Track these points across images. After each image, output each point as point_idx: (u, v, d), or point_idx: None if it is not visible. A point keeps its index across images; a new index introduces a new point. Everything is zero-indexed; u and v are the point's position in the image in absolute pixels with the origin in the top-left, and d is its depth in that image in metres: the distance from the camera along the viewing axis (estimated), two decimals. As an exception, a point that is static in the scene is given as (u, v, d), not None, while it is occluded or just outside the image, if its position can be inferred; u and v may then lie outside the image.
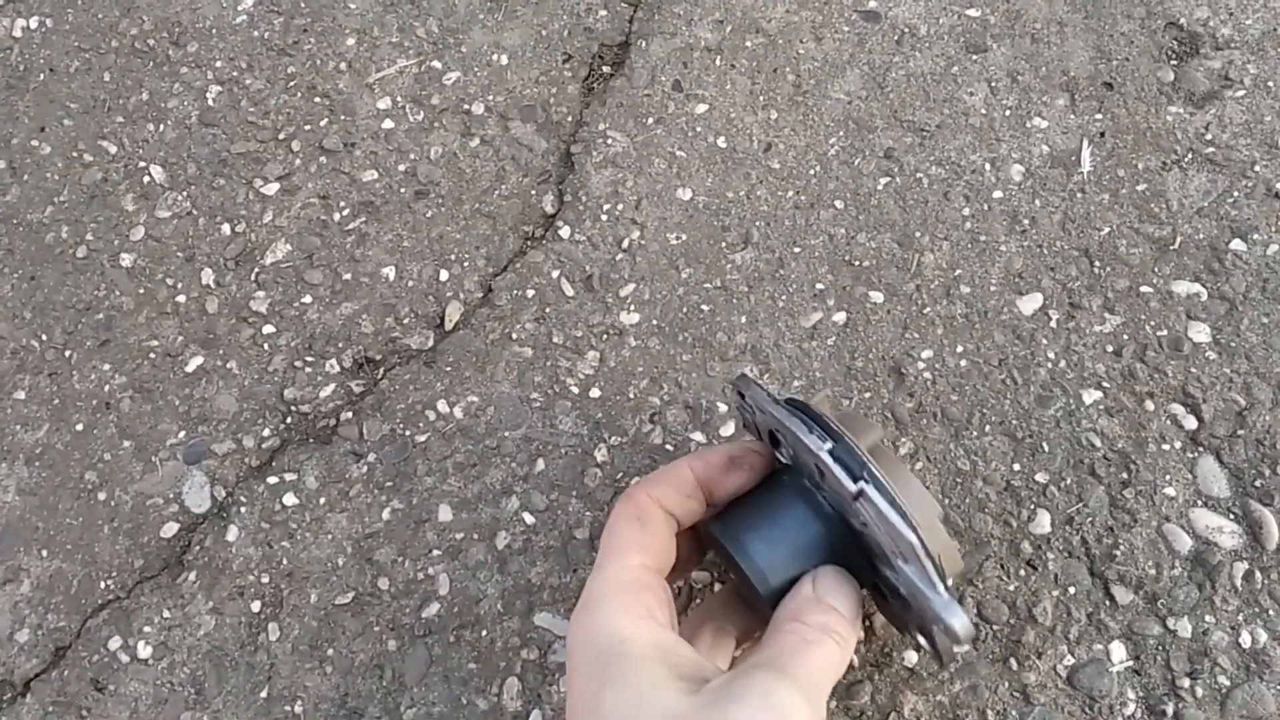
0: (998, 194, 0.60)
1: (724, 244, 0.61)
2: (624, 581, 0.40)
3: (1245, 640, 0.48)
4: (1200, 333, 0.55)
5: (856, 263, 0.59)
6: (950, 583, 0.38)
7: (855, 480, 0.38)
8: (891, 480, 0.38)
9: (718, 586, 0.52)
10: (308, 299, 0.61)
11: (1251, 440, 0.52)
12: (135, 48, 0.70)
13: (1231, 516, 0.51)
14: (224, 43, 0.70)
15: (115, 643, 0.53)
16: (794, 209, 0.61)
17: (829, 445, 0.39)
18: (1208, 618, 0.49)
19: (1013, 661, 0.48)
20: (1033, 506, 0.52)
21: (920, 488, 0.41)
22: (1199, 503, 0.51)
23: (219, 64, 0.69)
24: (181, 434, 0.58)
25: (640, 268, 0.60)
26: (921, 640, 0.43)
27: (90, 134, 0.68)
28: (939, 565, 0.37)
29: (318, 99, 0.67)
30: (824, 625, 0.39)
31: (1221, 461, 0.52)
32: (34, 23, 0.72)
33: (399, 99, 0.67)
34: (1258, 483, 0.51)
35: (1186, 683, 0.47)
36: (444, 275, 0.62)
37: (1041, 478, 0.53)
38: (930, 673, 0.48)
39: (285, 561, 0.55)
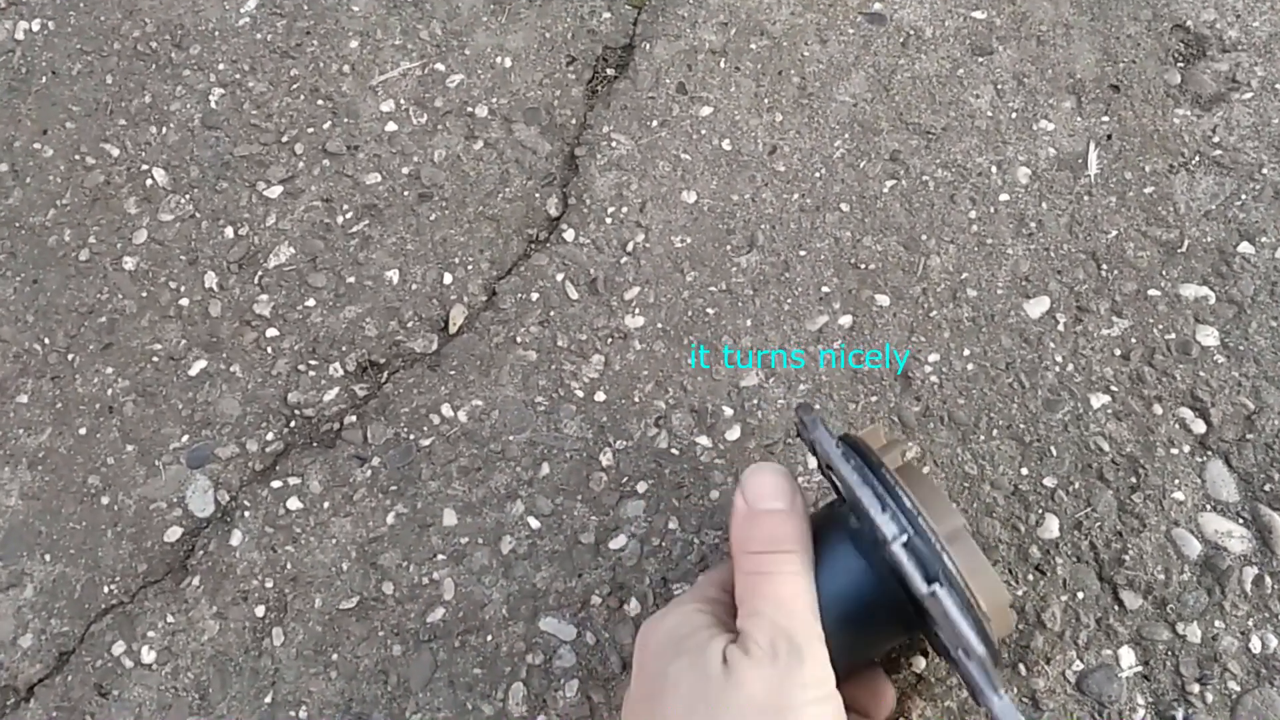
0: (1004, 197, 0.60)
1: (729, 247, 0.60)
2: (702, 596, 0.42)
3: (1255, 645, 0.48)
4: (1208, 336, 0.55)
5: (862, 266, 0.59)
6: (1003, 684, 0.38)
7: (929, 582, 0.36)
8: (966, 572, 0.37)
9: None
10: (311, 302, 0.61)
11: (1260, 444, 0.52)
12: (138, 50, 0.70)
13: (1241, 521, 0.50)
14: (227, 45, 0.70)
15: (119, 648, 0.53)
16: (799, 212, 0.61)
17: (905, 538, 0.37)
18: (1217, 623, 0.48)
19: (1021, 667, 0.48)
20: (1041, 511, 0.52)
21: (994, 576, 0.39)
22: (1208, 507, 0.51)
23: (222, 66, 0.69)
24: (185, 438, 0.58)
25: (645, 271, 0.60)
26: (959, 672, 0.42)
27: (93, 137, 0.67)
28: (998, 659, 0.36)
29: (321, 101, 0.67)
30: (770, 539, 0.39)
31: (1230, 465, 0.52)
32: (36, 25, 0.72)
33: (402, 101, 0.67)
34: (1267, 487, 0.51)
35: (1196, 688, 0.47)
36: (448, 278, 0.61)
37: (1049, 482, 0.52)
38: (938, 678, 0.48)
39: (289, 566, 0.54)
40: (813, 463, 0.54)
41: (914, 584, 0.37)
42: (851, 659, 0.40)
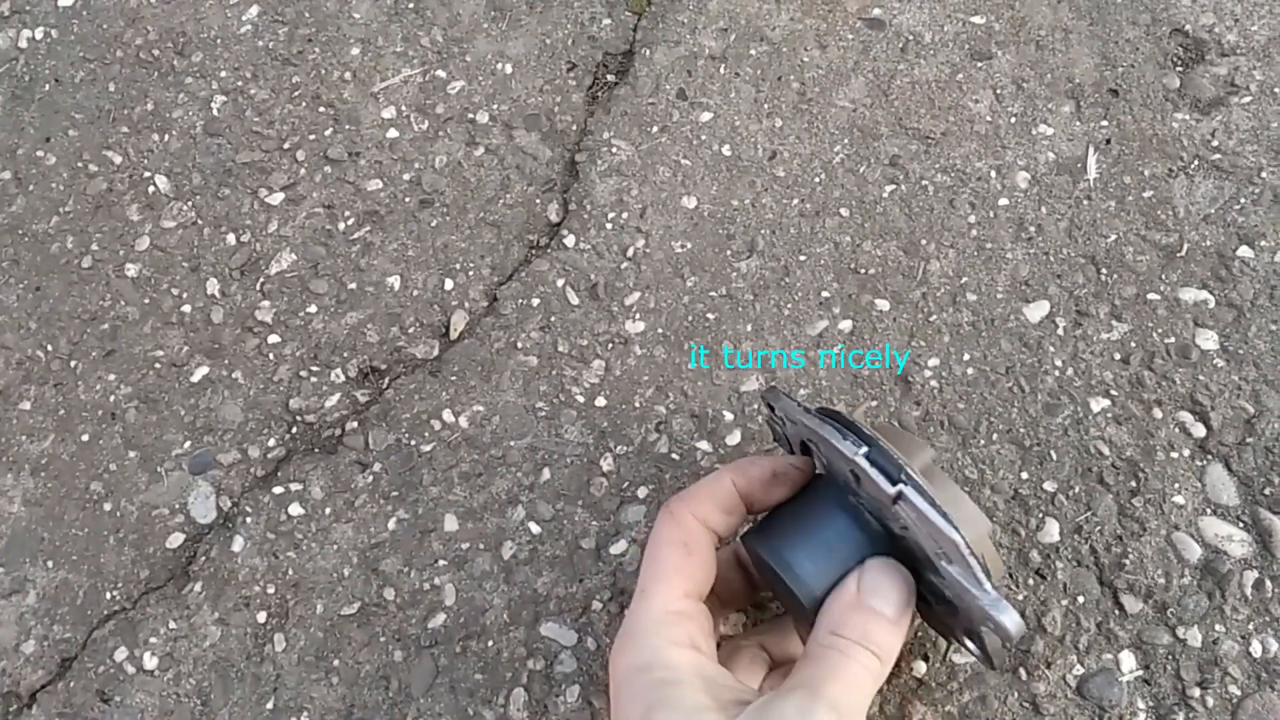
0: (1004, 201, 0.60)
1: (729, 252, 0.61)
2: (670, 612, 0.41)
3: (1256, 649, 0.48)
4: (1208, 340, 0.55)
5: (862, 270, 0.59)
6: (995, 581, 0.38)
7: (894, 483, 0.37)
8: (936, 489, 0.37)
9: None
10: (313, 308, 0.61)
11: (1260, 448, 0.52)
12: (140, 58, 0.70)
13: (1241, 525, 0.50)
14: (229, 53, 0.70)
15: (121, 654, 0.53)
16: (799, 217, 0.61)
17: (864, 449, 0.38)
18: (1218, 626, 0.48)
19: (1022, 671, 0.48)
20: (1041, 515, 0.52)
21: (970, 503, 0.40)
22: (1208, 511, 0.51)
23: (224, 74, 0.69)
24: (187, 444, 0.58)
25: (645, 276, 0.60)
26: (969, 644, 0.42)
27: (95, 144, 0.68)
28: (984, 563, 0.37)
29: (322, 108, 0.68)
30: (863, 634, 0.38)
31: (1230, 469, 0.52)
32: (39, 33, 0.72)
33: (404, 108, 0.67)
34: (1267, 490, 0.51)
35: (1197, 692, 0.47)
36: (449, 284, 0.62)
37: (1050, 486, 0.52)
38: (939, 683, 0.48)
39: (291, 572, 0.54)
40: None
41: (881, 489, 0.37)
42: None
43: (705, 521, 0.43)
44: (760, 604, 0.51)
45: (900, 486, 0.37)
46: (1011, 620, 0.36)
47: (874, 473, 0.38)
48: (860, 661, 0.38)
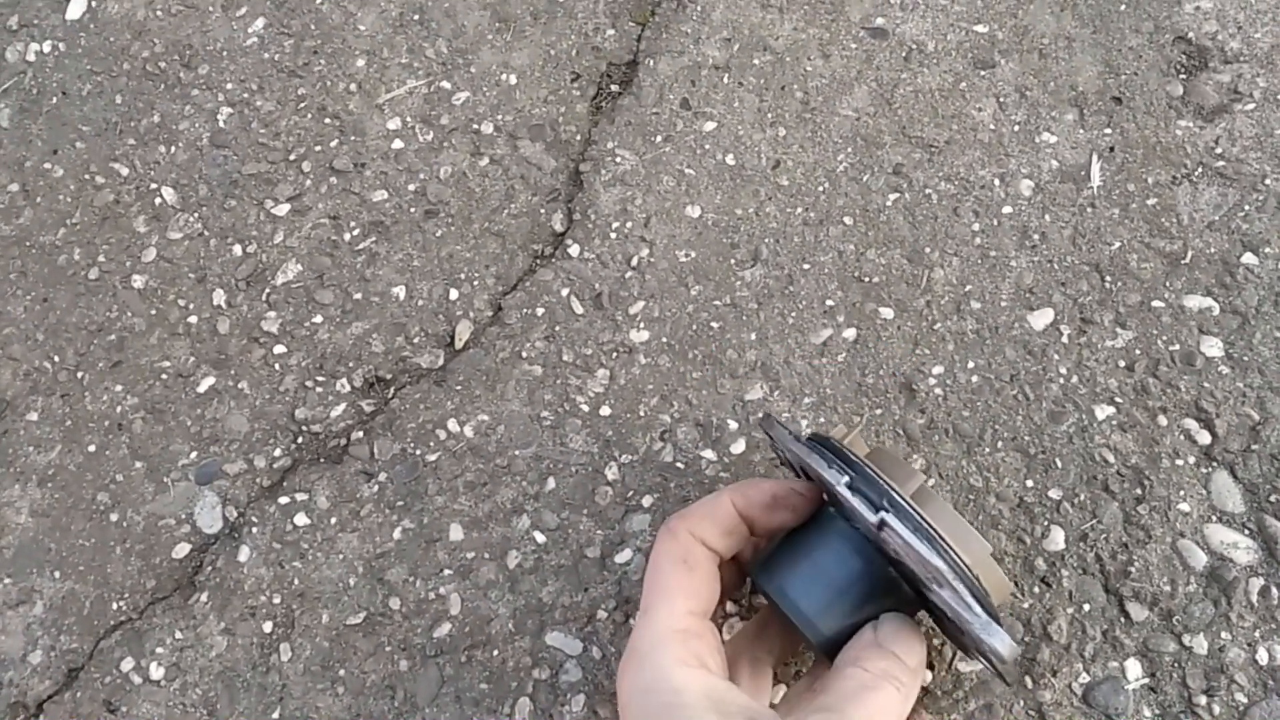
0: (1007, 209, 0.60)
1: (733, 261, 0.61)
2: (674, 630, 0.40)
3: (1262, 657, 0.48)
4: (1213, 347, 0.55)
5: (866, 279, 0.59)
6: (993, 603, 0.38)
7: (875, 511, 0.37)
8: (931, 513, 0.37)
9: (740, 616, 0.52)
10: (318, 319, 0.62)
11: (1266, 455, 0.52)
12: (147, 70, 0.71)
13: (1246, 532, 0.50)
14: (235, 65, 0.70)
15: (128, 664, 0.53)
16: (803, 226, 0.61)
17: (846, 479, 0.38)
18: (1224, 634, 0.48)
19: (1028, 680, 0.48)
20: (1046, 523, 0.52)
21: (967, 526, 0.40)
22: (1213, 518, 0.51)
23: (230, 86, 0.70)
24: (193, 454, 0.58)
25: (650, 285, 0.60)
26: (983, 658, 0.42)
27: (102, 156, 0.68)
28: (975, 585, 0.37)
29: (328, 120, 0.68)
30: (885, 671, 0.38)
31: (1236, 476, 0.52)
32: (47, 47, 0.72)
33: (409, 119, 0.67)
34: (1272, 497, 0.51)
35: (1203, 700, 0.47)
36: (454, 294, 0.62)
37: (1055, 494, 0.52)
38: (945, 691, 0.48)
39: (297, 582, 0.55)
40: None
41: (865, 519, 0.37)
42: (841, 636, 0.41)
43: (704, 540, 0.43)
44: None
45: (881, 514, 0.37)
46: (1002, 643, 0.36)
47: (855, 501, 0.38)
48: (884, 691, 0.38)
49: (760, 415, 0.44)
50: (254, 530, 0.56)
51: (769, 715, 0.38)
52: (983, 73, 0.65)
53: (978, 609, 0.36)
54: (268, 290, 0.63)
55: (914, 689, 0.39)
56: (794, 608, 0.41)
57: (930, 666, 0.49)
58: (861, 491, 0.38)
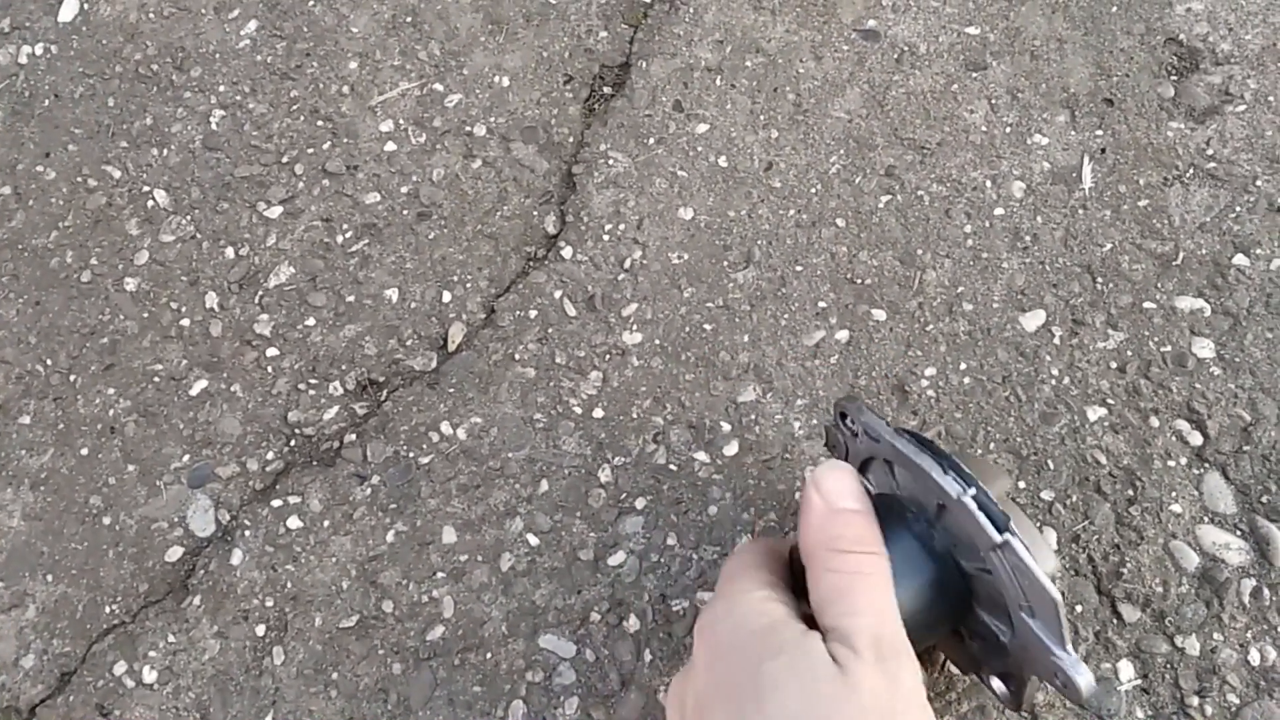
0: (999, 211, 0.61)
1: (726, 263, 0.61)
2: (760, 584, 0.41)
3: (1254, 658, 0.48)
4: (1204, 348, 0.55)
5: (859, 281, 0.59)
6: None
7: (1001, 531, 0.37)
8: (1021, 530, 0.37)
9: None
10: (311, 321, 0.62)
11: (1257, 456, 0.52)
12: (139, 73, 0.71)
13: (1238, 533, 0.50)
14: (227, 67, 0.70)
15: (120, 668, 0.53)
16: (795, 227, 0.61)
17: (973, 491, 0.38)
18: (1216, 635, 0.48)
19: (1020, 681, 0.48)
20: (1038, 524, 0.52)
21: (1045, 544, 0.40)
22: (1205, 519, 0.51)
23: (222, 88, 0.70)
24: (186, 457, 0.58)
25: (642, 287, 0.60)
26: (995, 684, 0.42)
27: (94, 159, 0.68)
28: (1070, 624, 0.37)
29: (320, 122, 0.68)
30: (855, 538, 0.39)
31: (1227, 477, 0.52)
32: (39, 49, 0.72)
33: (401, 121, 0.67)
34: (1264, 498, 0.51)
35: (1195, 701, 0.47)
36: (447, 296, 0.62)
37: (1047, 495, 0.52)
38: (937, 693, 0.48)
39: (290, 585, 0.54)
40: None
41: (986, 534, 0.37)
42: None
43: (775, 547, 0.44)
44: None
45: (1008, 536, 0.37)
46: (1086, 682, 0.36)
47: (981, 517, 0.37)
48: (873, 570, 0.38)
49: (845, 396, 0.43)
50: (247, 533, 0.56)
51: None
52: (974, 75, 0.65)
53: (1070, 646, 0.37)
54: (260, 293, 0.63)
55: (875, 532, 0.40)
56: None
57: (924, 668, 0.49)
58: (987, 509, 0.38)
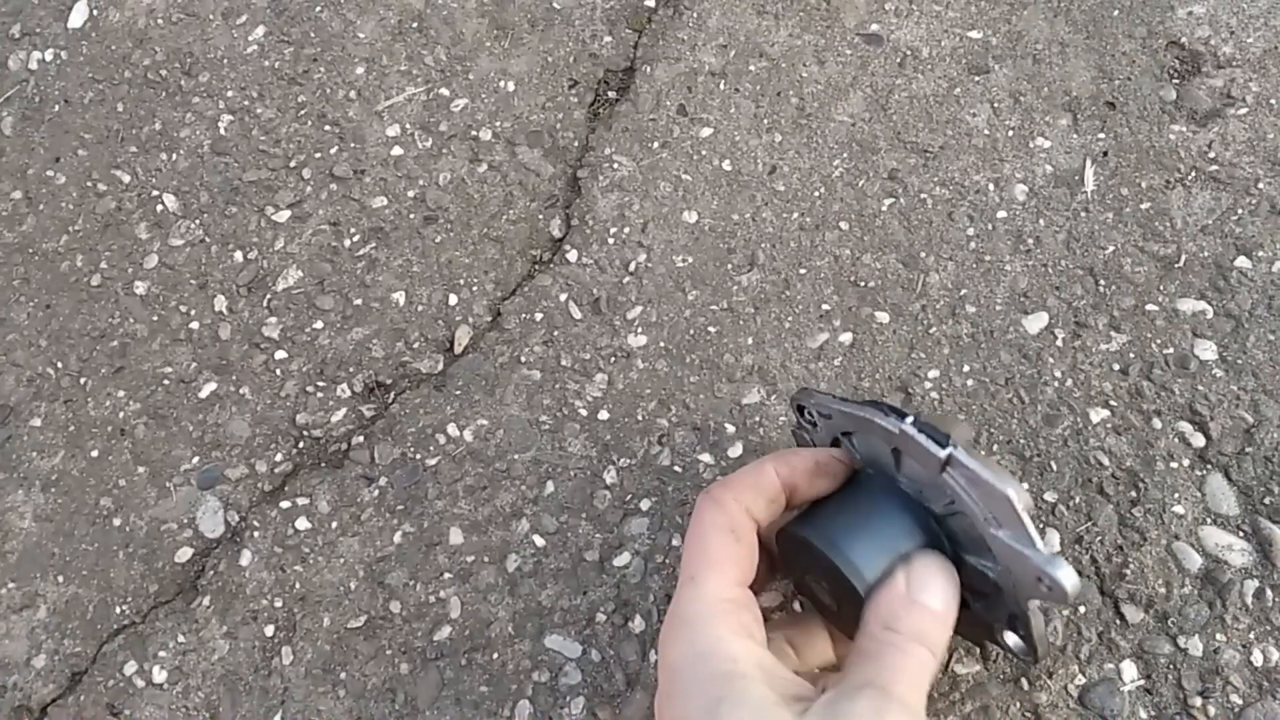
0: (1002, 214, 0.61)
1: (730, 266, 0.61)
2: (725, 599, 0.40)
3: (1257, 658, 0.48)
4: (1207, 350, 0.55)
5: (862, 283, 0.60)
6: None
7: (943, 446, 0.37)
8: (981, 461, 0.37)
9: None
10: (319, 324, 0.62)
11: (1260, 457, 0.52)
12: (148, 78, 0.71)
13: (1241, 534, 0.51)
14: (235, 72, 0.71)
15: (131, 668, 0.54)
16: (799, 230, 0.62)
17: (910, 419, 0.38)
18: (1219, 636, 0.49)
19: (1024, 681, 0.48)
20: (1042, 526, 0.52)
21: (1012, 476, 0.40)
22: (1208, 520, 0.51)
23: (230, 93, 0.70)
24: (195, 459, 0.59)
25: (647, 290, 0.61)
26: (1009, 639, 0.42)
27: (104, 164, 0.69)
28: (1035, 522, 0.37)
29: (328, 127, 0.68)
30: (917, 632, 0.38)
31: (1230, 479, 0.52)
32: (49, 55, 0.73)
33: (408, 126, 0.68)
34: (1267, 500, 0.51)
35: (1198, 702, 0.47)
36: (453, 300, 0.62)
37: (1050, 497, 0.53)
38: (941, 693, 0.48)
39: (298, 585, 0.55)
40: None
41: (932, 454, 0.37)
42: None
43: (749, 509, 0.42)
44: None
45: (949, 450, 0.37)
46: (1068, 576, 0.36)
47: (922, 438, 0.38)
48: (918, 658, 0.38)
49: (797, 389, 0.44)
50: (255, 534, 0.57)
51: (812, 691, 0.37)
52: (977, 78, 0.66)
53: (1040, 544, 0.36)
54: (269, 296, 0.63)
55: (945, 638, 0.39)
56: (844, 559, 0.40)
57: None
58: (926, 430, 0.38)
